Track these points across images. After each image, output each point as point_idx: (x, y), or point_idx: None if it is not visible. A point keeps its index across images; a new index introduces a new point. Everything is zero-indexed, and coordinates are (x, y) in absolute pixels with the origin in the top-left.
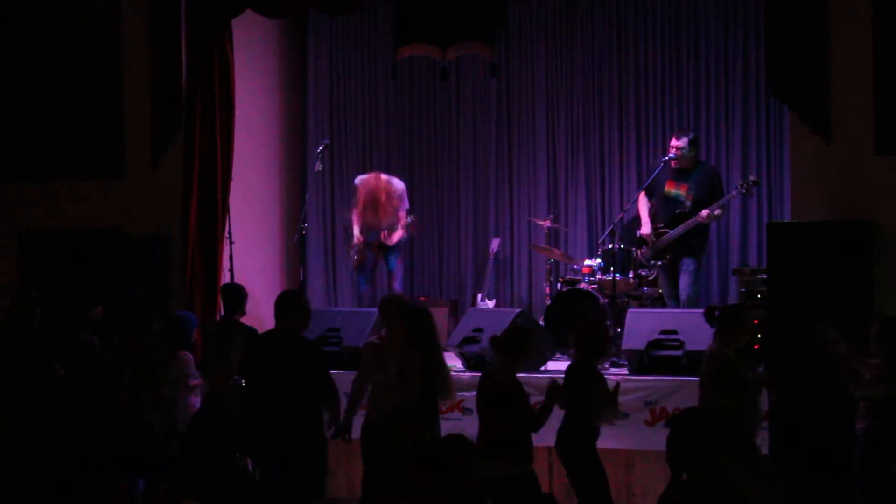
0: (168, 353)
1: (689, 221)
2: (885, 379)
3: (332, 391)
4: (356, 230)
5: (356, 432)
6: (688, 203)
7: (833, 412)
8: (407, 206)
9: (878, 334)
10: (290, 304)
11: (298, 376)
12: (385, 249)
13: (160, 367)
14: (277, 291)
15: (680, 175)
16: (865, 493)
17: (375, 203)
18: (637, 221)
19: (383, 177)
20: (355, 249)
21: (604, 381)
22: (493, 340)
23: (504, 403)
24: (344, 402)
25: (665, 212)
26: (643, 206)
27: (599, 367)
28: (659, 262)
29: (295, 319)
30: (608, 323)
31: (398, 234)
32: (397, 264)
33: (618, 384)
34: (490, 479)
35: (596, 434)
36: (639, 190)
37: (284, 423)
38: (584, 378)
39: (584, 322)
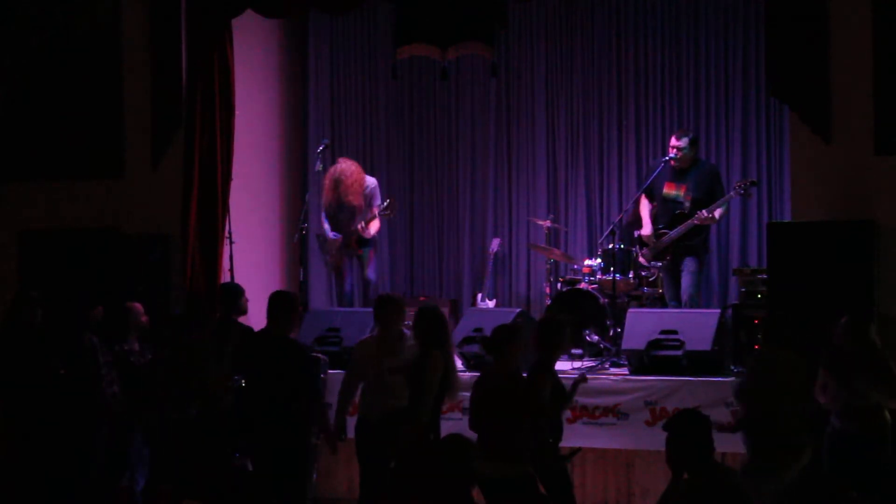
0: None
1: (688, 222)
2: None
3: (315, 395)
4: (328, 229)
5: (350, 432)
6: (687, 203)
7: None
8: (378, 202)
9: (851, 330)
10: (279, 305)
11: (281, 377)
12: (359, 244)
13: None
14: None
15: (679, 175)
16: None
17: (344, 198)
18: (637, 222)
19: (348, 169)
20: (333, 249)
21: (548, 379)
22: (482, 341)
23: (496, 403)
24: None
25: (665, 213)
26: (644, 207)
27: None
28: (659, 264)
29: (283, 321)
30: (565, 322)
31: (375, 226)
32: (370, 254)
33: (583, 376)
34: (486, 478)
35: (558, 433)
36: (639, 191)
37: (267, 424)
38: (532, 374)
39: (541, 319)
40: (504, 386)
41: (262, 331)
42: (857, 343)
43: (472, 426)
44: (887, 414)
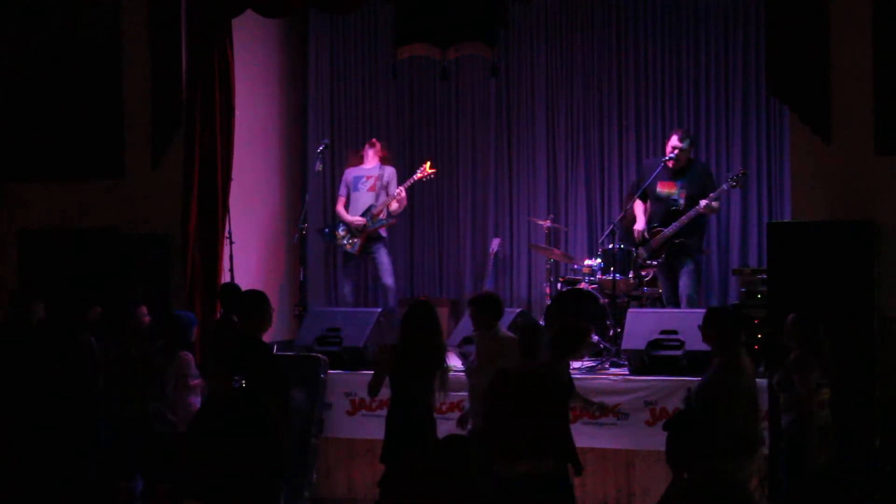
0: (169, 352)
1: (690, 213)
2: (802, 369)
3: (279, 394)
4: (346, 214)
5: (378, 433)
6: (682, 201)
7: None
8: (395, 190)
9: (793, 327)
10: (250, 304)
11: (246, 378)
12: (372, 241)
13: (161, 367)
14: (277, 291)
15: (674, 174)
16: (788, 489)
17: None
18: (633, 221)
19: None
20: (349, 231)
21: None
22: (521, 334)
23: (534, 400)
24: (343, 403)
25: (659, 210)
26: (638, 204)
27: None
28: (655, 262)
29: (252, 319)
30: (587, 330)
31: (395, 205)
32: (386, 258)
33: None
34: (522, 477)
35: None
36: (637, 191)
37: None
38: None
39: (564, 322)
40: (539, 383)
41: (233, 330)
42: (794, 342)
43: (499, 425)
44: (812, 417)
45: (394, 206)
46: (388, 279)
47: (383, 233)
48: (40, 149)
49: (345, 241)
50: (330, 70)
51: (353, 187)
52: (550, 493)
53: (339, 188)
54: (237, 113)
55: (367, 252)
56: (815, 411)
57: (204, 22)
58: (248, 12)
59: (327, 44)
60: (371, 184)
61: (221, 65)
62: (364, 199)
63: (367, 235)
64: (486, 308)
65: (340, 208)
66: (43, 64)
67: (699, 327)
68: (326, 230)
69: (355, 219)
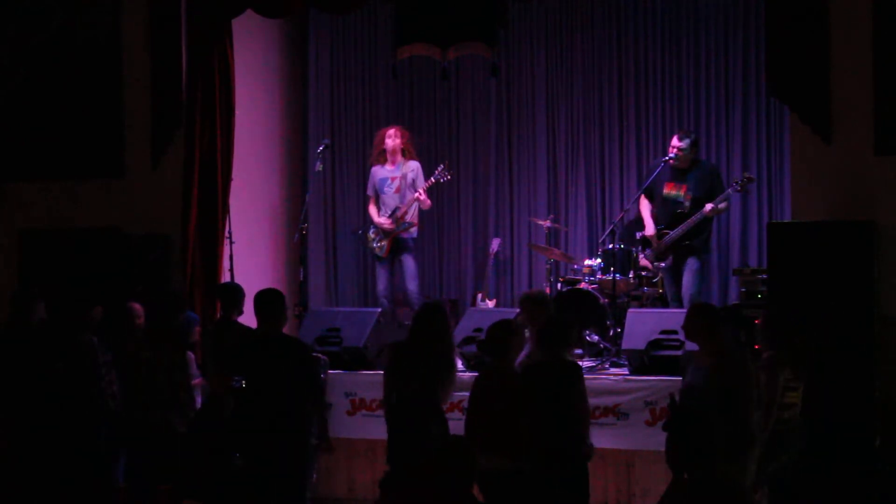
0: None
1: (696, 216)
2: (771, 370)
3: (316, 392)
4: (376, 216)
5: (378, 433)
6: (687, 203)
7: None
8: (423, 184)
9: (763, 327)
10: (267, 303)
11: (282, 377)
12: (399, 244)
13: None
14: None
15: (679, 175)
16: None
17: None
18: (638, 223)
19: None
20: (379, 233)
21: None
22: (479, 344)
23: (497, 398)
24: (343, 403)
25: (665, 213)
26: (644, 207)
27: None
28: (662, 264)
29: (275, 318)
30: (572, 322)
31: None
32: (411, 262)
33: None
34: (486, 472)
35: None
36: (638, 191)
37: (267, 424)
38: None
39: (547, 318)
40: (506, 382)
41: (257, 330)
42: (764, 342)
43: (468, 421)
44: (769, 418)
45: (415, 207)
46: (411, 285)
47: (411, 233)
48: (40, 149)
49: (374, 244)
50: (330, 70)
51: (381, 190)
52: (523, 492)
53: (367, 188)
54: (237, 113)
55: (394, 254)
56: (773, 413)
57: (204, 22)
58: (248, 12)
59: (327, 44)
60: (396, 185)
61: (221, 65)
62: (391, 201)
63: (395, 238)
64: (535, 303)
65: (372, 210)
66: (43, 64)
67: (682, 326)
68: (360, 231)
69: (383, 221)
